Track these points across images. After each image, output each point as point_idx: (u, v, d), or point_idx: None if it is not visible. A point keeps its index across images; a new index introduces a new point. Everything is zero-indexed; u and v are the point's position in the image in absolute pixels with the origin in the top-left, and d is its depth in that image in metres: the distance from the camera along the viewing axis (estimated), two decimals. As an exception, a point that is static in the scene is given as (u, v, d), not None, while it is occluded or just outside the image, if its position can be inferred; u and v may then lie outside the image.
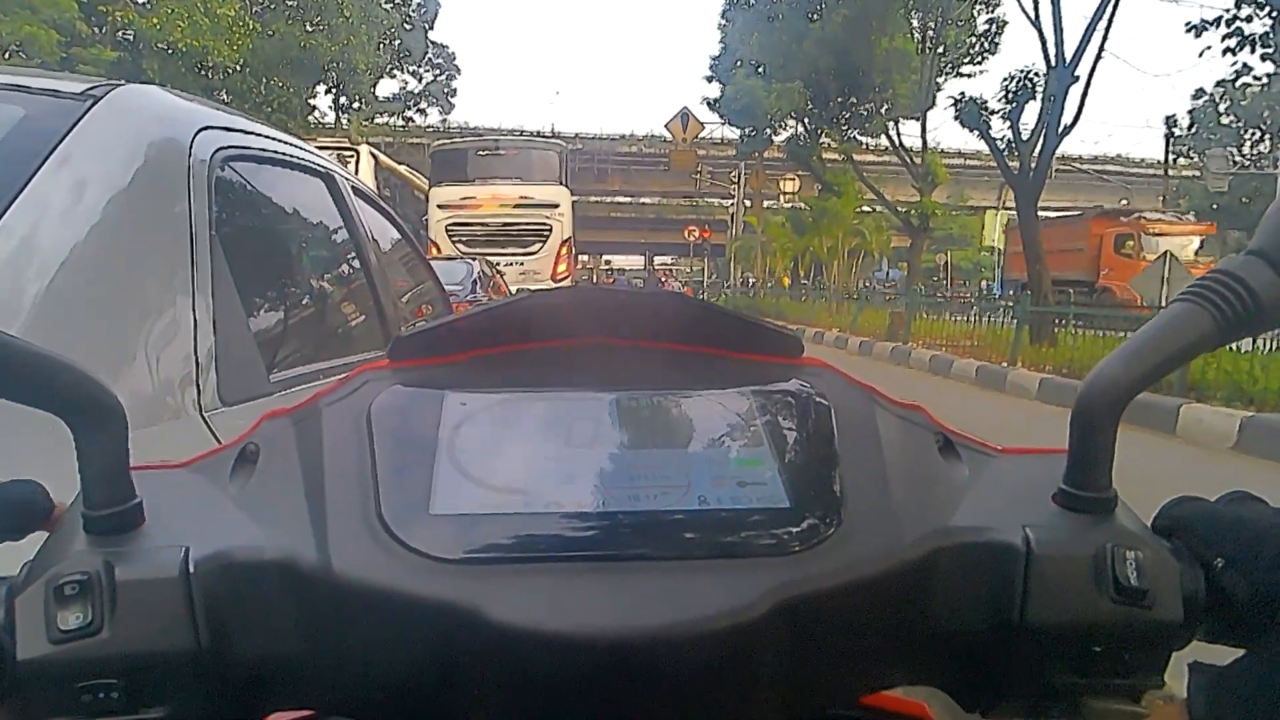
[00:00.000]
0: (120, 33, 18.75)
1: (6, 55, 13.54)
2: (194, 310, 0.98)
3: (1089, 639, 0.40)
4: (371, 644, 0.38)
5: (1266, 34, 11.40)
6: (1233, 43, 11.58)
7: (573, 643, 0.35)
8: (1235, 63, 12.14)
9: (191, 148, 1.10)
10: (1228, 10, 11.38)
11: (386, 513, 0.39)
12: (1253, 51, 11.61)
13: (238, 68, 19.11)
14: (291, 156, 1.49)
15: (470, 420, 0.44)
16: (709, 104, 27.07)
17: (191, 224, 1.03)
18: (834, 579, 0.39)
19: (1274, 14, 11.18)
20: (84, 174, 0.94)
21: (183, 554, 0.37)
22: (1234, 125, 34.45)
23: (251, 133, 1.34)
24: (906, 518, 0.42)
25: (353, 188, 1.81)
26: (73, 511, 0.39)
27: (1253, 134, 34.04)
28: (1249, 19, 11.35)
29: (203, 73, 18.83)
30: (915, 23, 19.38)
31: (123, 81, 1.13)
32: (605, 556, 0.39)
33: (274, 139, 1.44)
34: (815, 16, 20.34)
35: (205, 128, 1.16)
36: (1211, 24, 11.51)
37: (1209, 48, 11.80)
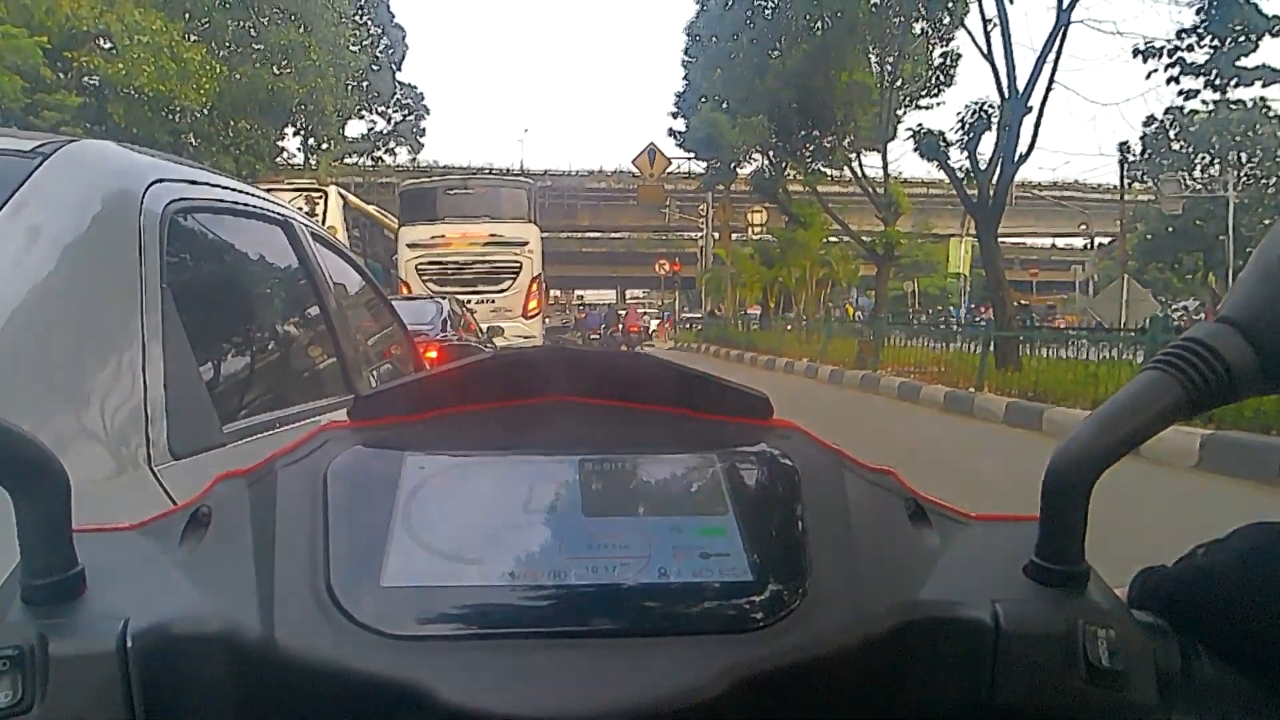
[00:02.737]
0: (86, 78, 18.65)
1: (-33, 103, 13.41)
2: (144, 362, 0.98)
3: None
4: None
5: (1207, 62, 11.83)
6: (1175, 71, 12.00)
7: None
8: (1181, 90, 12.58)
9: (143, 200, 1.10)
10: (1169, 40, 11.82)
11: (335, 583, 0.38)
12: (1195, 78, 12.03)
13: (205, 111, 19.05)
14: (248, 205, 1.50)
15: (428, 485, 0.43)
16: (673, 134, 27.43)
17: (143, 275, 1.03)
18: (797, 655, 0.38)
19: (1214, 43, 11.62)
20: (33, 228, 0.94)
21: (121, 626, 0.36)
22: (1184, 150, 35.52)
23: (207, 184, 1.34)
24: (874, 590, 0.41)
25: (312, 233, 1.82)
26: (11, 580, 0.38)
27: (1202, 158, 35.11)
28: (1190, 48, 11.79)
29: (169, 117, 18.75)
30: (874, 57, 19.82)
31: (74, 138, 1.14)
32: (560, 633, 0.38)
33: (230, 189, 1.45)
34: (776, 52, 20.76)
35: (158, 180, 1.17)
36: (1155, 53, 11.93)
37: (1155, 72, 12.20)
